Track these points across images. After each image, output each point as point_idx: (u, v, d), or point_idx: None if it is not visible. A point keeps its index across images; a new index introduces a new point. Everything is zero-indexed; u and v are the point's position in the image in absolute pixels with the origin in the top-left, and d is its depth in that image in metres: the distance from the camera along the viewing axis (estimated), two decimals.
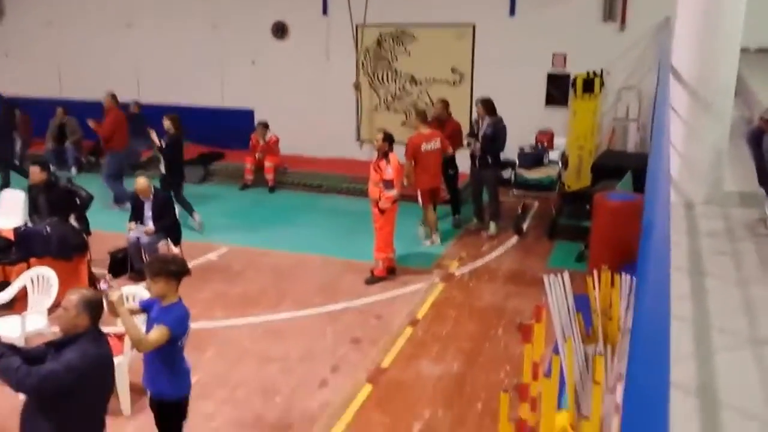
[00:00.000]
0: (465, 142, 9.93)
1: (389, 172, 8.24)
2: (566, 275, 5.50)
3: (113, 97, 11.49)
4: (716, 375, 3.11)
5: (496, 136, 9.64)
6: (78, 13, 14.43)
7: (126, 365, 5.65)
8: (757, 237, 4.33)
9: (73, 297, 3.81)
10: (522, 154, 10.16)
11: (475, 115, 10.30)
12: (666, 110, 3.89)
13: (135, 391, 5.65)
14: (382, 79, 13.18)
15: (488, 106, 9.70)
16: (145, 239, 8.32)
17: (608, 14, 11.49)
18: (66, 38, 14.69)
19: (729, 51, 4.81)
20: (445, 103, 10.53)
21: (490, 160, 9.76)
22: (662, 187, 2.64)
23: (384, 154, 8.35)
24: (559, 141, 10.94)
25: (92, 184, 9.84)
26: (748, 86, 7.13)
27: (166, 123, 10.19)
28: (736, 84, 5.83)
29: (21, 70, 14.90)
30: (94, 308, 3.83)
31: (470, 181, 10.41)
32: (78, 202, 8.35)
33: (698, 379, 3.07)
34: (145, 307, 4.49)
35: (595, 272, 5.35)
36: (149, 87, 14.27)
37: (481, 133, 9.71)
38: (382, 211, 8.37)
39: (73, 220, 8.12)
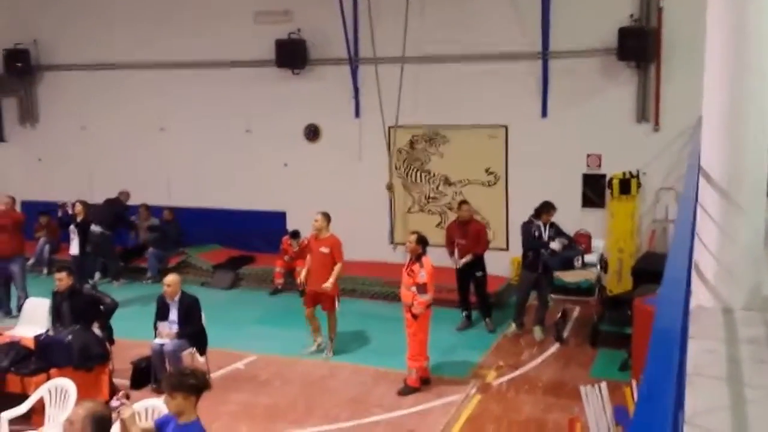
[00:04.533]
0: (554, 245, 9.86)
1: (422, 276, 8.29)
2: (604, 386, 5.44)
3: (12, 199, 11.93)
4: None
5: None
6: (111, 118, 15.09)
7: None
8: None
9: (81, 411, 3.81)
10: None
11: (521, 219, 10.45)
12: (688, 212, 3.92)
13: None
14: (416, 180, 13.48)
15: (553, 209, 10.02)
16: (169, 347, 8.29)
17: (641, 115, 11.77)
18: (99, 143, 15.31)
19: (757, 150, 4.90)
20: (468, 205, 10.79)
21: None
22: (678, 288, 2.64)
23: (417, 257, 8.43)
24: (597, 243, 10.97)
25: (117, 291, 10.11)
26: None
27: (78, 207, 11.50)
28: None
29: (54, 175, 15.52)
30: (101, 425, 3.80)
31: (522, 286, 10.40)
32: (102, 309, 8.50)
33: None
34: (161, 425, 4.44)
35: (633, 382, 5.28)
36: (181, 191, 14.75)
37: (546, 237, 9.89)
38: (415, 317, 8.38)
39: (96, 329, 8.22)
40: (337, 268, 9.38)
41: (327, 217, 9.54)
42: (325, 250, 9.42)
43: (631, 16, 11.50)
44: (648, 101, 11.72)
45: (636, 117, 11.81)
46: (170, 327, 8.45)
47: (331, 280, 9.29)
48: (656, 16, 11.48)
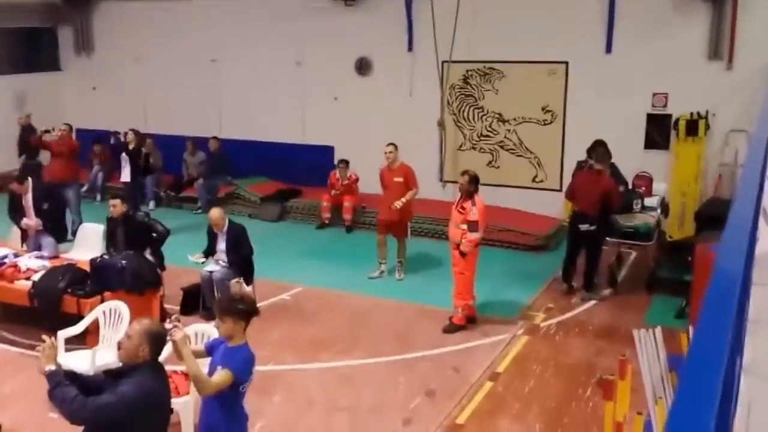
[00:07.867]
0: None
1: (474, 214, 8.26)
2: (658, 330, 5.35)
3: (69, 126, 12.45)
4: None
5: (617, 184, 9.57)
6: (165, 49, 15.23)
7: (192, 405, 5.80)
8: None
9: (138, 326, 3.98)
10: None
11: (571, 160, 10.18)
12: (758, 154, 3.75)
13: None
14: (468, 117, 13.29)
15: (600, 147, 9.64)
16: (217, 274, 8.59)
17: (714, 52, 11.24)
18: (152, 73, 15.52)
19: None
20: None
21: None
22: (742, 231, 2.55)
23: (469, 195, 8.40)
24: (659, 186, 10.71)
25: (169, 219, 10.33)
26: None
27: (130, 136, 11.82)
28: None
29: (108, 104, 15.82)
30: (156, 341, 3.97)
31: (568, 239, 9.80)
32: (155, 236, 8.75)
33: None
34: (211, 348, 4.62)
35: (691, 329, 5.19)
36: (231, 122, 14.88)
37: None
38: (463, 255, 8.37)
39: (148, 254, 8.49)
40: (411, 193, 9.94)
41: (396, 147, 10.10)
42: (399, 179, 9.96)
43: None
44: (722, 37, 11.17)
45: (708, 54, 11.29)
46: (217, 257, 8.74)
47: (403, 200, 9.79)
48: None
